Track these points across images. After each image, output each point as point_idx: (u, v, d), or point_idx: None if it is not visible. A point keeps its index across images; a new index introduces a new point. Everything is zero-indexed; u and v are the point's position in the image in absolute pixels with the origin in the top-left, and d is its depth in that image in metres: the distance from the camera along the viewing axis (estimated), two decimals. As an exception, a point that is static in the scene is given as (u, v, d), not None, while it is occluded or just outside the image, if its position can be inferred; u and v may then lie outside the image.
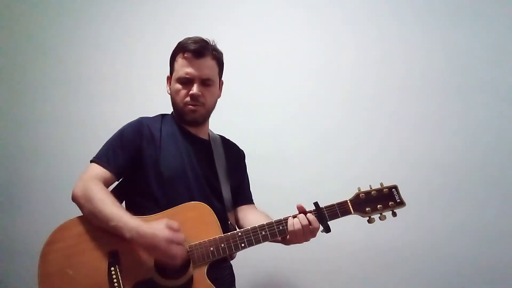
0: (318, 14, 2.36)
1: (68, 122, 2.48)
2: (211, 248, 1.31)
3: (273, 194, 1.98)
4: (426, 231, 2.08)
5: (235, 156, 1.63)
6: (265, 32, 2.38)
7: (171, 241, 1.21)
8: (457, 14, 2.24)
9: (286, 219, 1.34)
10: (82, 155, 1.44)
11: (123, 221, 1.25)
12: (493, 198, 2.08)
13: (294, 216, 1.34)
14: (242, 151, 1.68)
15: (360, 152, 2.20)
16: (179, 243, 1.23)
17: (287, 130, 2.27)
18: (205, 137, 1.57)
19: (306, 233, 1.31)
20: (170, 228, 1.23)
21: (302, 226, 1.30)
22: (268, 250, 1.45)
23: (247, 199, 1.61)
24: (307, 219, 1.32)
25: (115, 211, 1.27)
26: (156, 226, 1.24)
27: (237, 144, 1.69)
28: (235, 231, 1.34)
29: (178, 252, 1.22)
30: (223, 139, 1.64)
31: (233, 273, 1.52)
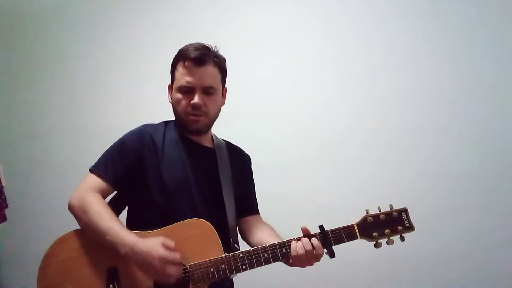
0: (326, 27, 2.31)
1: (76, 134, 2.48)
2: (211, 269, 1.23)
3: (279, 204, 1.93)
4: (431, 238, 2.04)
5: (240, 162, 1.54)
6: (274, 43, 2.32)
7: (165, 261, 1.15)
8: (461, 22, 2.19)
9: (289, 242, 1.26)
10: (90, 167, 1.37)
11: (119, 236, 1.18)
12: (495, 207, 2.06)
13: (298, 239, 1.26)
14: (248, 156, 1.58)
15: (366, 162, 2.16)
16: (174, 263, 1.16)
17: (293, 140, 2.23)
18: (209, 144, 1.48)
19: (309, 258, 1.23)
20: (166, 246, 1.17)
21: (305, 251, 1.23)
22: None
23: (252, 210, 1.53)
24: (311, 244, 1.24)
25: (111, 226, 1.20)
26: (151, 244, 1.17)
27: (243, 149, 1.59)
28: (236, 252, 1.26)
29: (173, 272, 1.16)
30: (228, 145, 1.54)
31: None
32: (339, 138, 2.20)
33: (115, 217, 1.25)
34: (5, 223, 2.47)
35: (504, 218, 2.03)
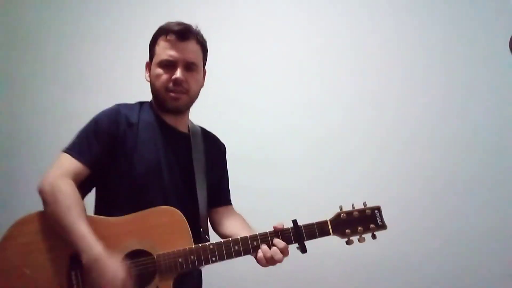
0: (318, 20, 2.16)
1: (66, 117, 2.24)
2: (180, 260, 1.11)
3: (261, 199, 1.84)
4: (420, 240, 1.95)
5: (215, 151, 1.39)
6: (265, 36, 2.17)
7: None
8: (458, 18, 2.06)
9: (262, 235, 1.15)
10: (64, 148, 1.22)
11: (85, 242, 1.05)
12: (489, 204, 1.95)
13: (270, 236, 1.14)
14: (223, 145, 1.44)
15: (351, 161, 2.04)
16: None
17: (280, 134, 2.10)
18: (185, 129, 1.33)
19: (270, 263, 1.13)
20: (126, 282, 1.05)
21: (265, 258, 1.12)
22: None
23: (225, 200, 1.39)
24: (277, 247, 1.12)
25: (77, 227, 1.06)
26: (115, 271, 1.04)
27: (220, 138, 1.45)
28: (206, 244, 1.14)
29: None
30: (204, 132, 1.39)
31: (201, 278, 1.33)
32: (330, 135, 2.07)
33: (83, 214, 1.10)
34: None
35: (502, 218, 1.93)
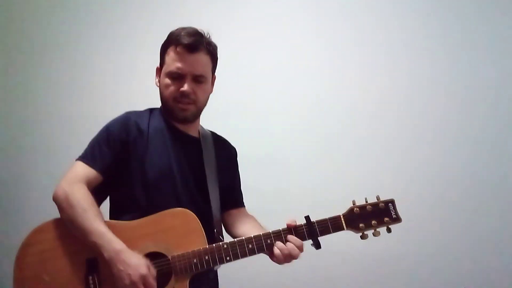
0: (324, 20, 2.16)
1: (71, 122, 2.33)
2: (194, 260, 1.11)
3: (272, 199, 1.84)
4: (424, 241, 1.93)
5: (226, 154, 1.40)
6: (271, 37, 2.18)
7: (145, 281, 1.05)
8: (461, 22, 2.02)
9: (276, 233, 1.14)
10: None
11: (104, 239, 1.07)
12: (491, 207, 1.91)
13: (283, 234, 1.14)
14: (234, 148, 1.45)
15: (361, 159, 2.03)
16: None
17: (289, 135, 2.10)
18: (195, 134, 1.34)
19: (287, 260, 1.13)
20: (150, 272, 1.07)
21: (283, 255, 1.12)
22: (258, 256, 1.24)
23: (237, 202, 1.39)
24: (292, 243, 1.12)
25: (96, 227, 1.08)
26: (137, 260, 1.07)
27: (230, 141, 1.45)
28: (220, 243, 1.14)
29: None
30: (214, 136, 1.40)
31: (217, 280, 1.33)
32: (336, 135, 2.07)
33: (100, 215, 1.12)
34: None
35: (502, 222, 1.89)
